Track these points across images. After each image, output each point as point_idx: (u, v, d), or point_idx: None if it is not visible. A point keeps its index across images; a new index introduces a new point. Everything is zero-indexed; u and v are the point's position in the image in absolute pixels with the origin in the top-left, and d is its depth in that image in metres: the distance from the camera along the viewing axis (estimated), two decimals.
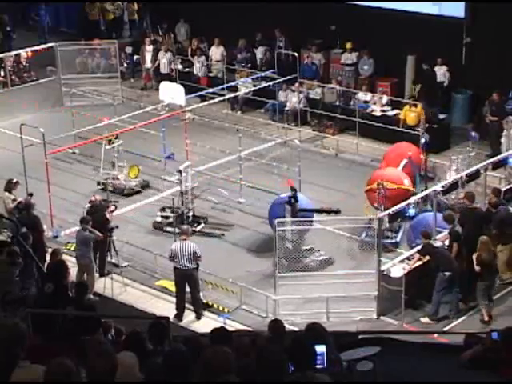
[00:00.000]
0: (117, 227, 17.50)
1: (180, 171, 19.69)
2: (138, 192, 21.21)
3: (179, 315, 16.31)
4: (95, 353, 5.71)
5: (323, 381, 5.93)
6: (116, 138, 21.03)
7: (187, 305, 16.45)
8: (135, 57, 29.43)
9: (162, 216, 19.55)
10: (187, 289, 16.33)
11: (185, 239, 16.23)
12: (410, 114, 22.49)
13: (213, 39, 27.83)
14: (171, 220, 19.21)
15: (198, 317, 16.37)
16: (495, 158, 19.11)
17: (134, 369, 6.24)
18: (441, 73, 24.50)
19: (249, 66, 27.06)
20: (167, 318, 9.28)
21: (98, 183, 21.14)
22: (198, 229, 19.10)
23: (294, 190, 18.01)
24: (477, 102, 23.66)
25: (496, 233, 16.53)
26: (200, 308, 16.43)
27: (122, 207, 19.65)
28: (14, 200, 18.21)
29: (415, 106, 22.55)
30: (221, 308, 16.59)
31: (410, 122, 22.37)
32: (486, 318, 15.77)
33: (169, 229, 19.09)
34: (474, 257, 15.74)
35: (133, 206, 20.49)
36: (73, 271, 15.92)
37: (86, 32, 30.40)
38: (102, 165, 21.22)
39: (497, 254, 16.30)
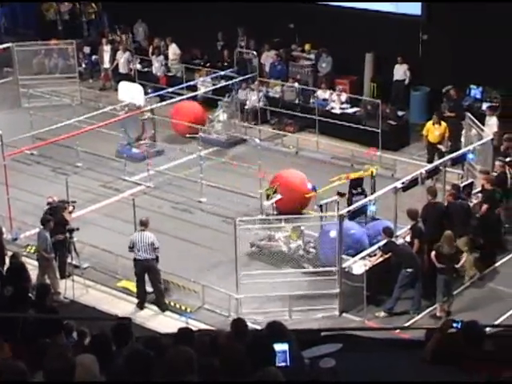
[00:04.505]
0: (77, 229, 17.36)
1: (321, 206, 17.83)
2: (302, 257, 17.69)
3: (141, 304, 16.50)
4: (52, 355, 5.68)
5: (283, 379, 5.94)
6: (275, 193, 18.94)
7: (149, 305, 16.47)
8: (93, 57, 29.25)
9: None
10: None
11: (143, 230, 16.39)
12: (435, 132, 21.36)
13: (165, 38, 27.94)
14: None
15: (163, 309, 16.43)
16: (454, 154, 19.27)
17: (93, 371, 6.20)
18: (401, 71, 24.65)
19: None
20: (129, 318, 9.24)
21: (253, 245, 18.10)
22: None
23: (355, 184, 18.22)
24: (435, 98, 23.84)
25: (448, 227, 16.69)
26: (163, 299, 16.50)
27: (82, 208, 19.56)
28: None
29: (439, 123, 21.33)
30: (183, 308, 16.56)
31: (432, 140, 21.42)
32: (439, 313, 15.87)
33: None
34: (436, 250, 15.84)
35: (93, 207, 20.39)
36: (33, 274, 15.81)
37: (43, 32, 30.13)
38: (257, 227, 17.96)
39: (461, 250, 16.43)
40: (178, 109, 24.06)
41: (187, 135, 22.91)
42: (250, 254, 17.89)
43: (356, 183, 18.73)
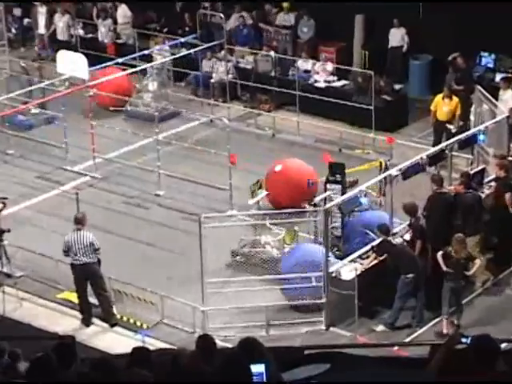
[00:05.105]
0: (9, 230, 17.33)
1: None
2: None
3: (86, 319, 16.49)
4: None
5: None
6: (260, 189, 18.98)
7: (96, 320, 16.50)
8: (25, 20, 29.15)
9: None
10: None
11: (79, 229, 16.36)
12: (443, 108, 21.47)
13: None
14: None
15: (112, 324, 16.47)
16: (462, 135, 19.32)
17: None
18: (398, 36, 24.76)
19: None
20: (73, 337, 9.27)
21: (235, 254, 17.90)
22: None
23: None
24: (438, 68, 23.94)
25: (459, 223, 16.77)
26: (111, 311, 16.54)
27: (14, 204, 19.54)
28: None
29: (450, 98, 21.49)
30: (138, 323, 16.59)
31: (441, 117, 21.45)
32: (445, 330, 15.82)
33: None
34: (444, 252, 15.85)
35: (27, 203, 20.35)
36: None
37: None
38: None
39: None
40: (98, 77, 23.61)
41: (111, 108, 23.30)
42: (232, 264, 17.78)
43: (335, 169, 18.61)
